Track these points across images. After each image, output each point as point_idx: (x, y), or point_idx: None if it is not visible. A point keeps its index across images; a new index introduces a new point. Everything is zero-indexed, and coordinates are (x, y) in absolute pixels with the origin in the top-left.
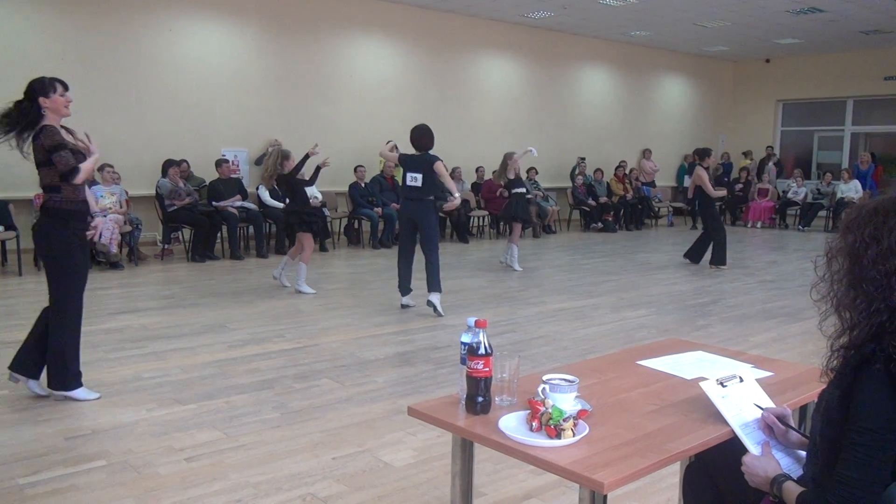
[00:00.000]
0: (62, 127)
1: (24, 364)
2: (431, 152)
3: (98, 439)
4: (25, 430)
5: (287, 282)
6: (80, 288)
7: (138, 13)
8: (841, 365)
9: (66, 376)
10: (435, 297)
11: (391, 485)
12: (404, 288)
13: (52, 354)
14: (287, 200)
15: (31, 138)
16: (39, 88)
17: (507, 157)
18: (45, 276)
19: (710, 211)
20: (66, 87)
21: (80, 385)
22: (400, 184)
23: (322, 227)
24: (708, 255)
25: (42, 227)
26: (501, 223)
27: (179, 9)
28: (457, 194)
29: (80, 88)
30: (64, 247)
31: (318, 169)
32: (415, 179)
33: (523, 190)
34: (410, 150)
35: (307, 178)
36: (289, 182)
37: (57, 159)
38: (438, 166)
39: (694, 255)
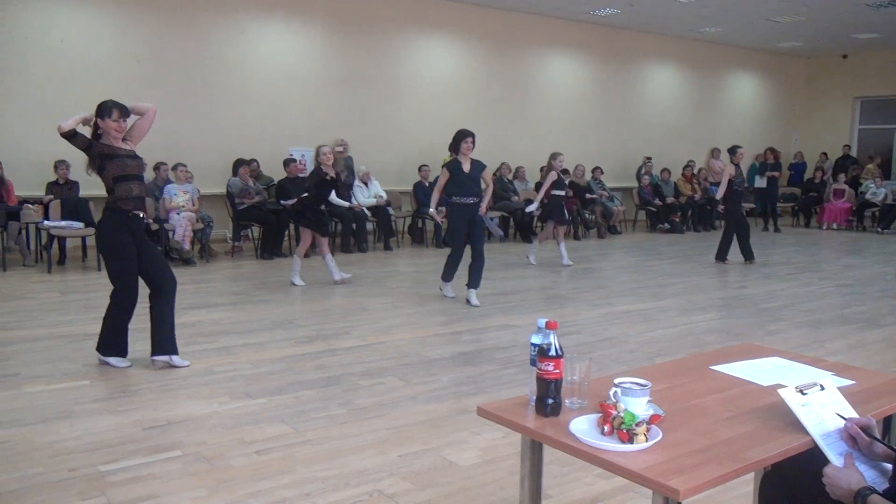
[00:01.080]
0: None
1: (159, 346)
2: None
3: (173, 430)
4: (106, 420)
5: (337, 276)
6: (128, 274)
7: (210, 16)
8: None
9: (105, 343)
10: (474, 295)
11: (457, 484)
12: (469, 282)
13: (103, 322)
14: (306, 195)
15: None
16: (100, 110)
17: (552, 158)
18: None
19: (730, 206)
20: (122, 114)
21: (115, 355)
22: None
23: (322, 225)
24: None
25: (99, 222)
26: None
27: (249, 11)
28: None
29: (154, 90)
30: (112, 240)
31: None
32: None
33: (562, 193)
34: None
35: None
36: (317, 177)
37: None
38: (487, 173)
39: (746, 253)
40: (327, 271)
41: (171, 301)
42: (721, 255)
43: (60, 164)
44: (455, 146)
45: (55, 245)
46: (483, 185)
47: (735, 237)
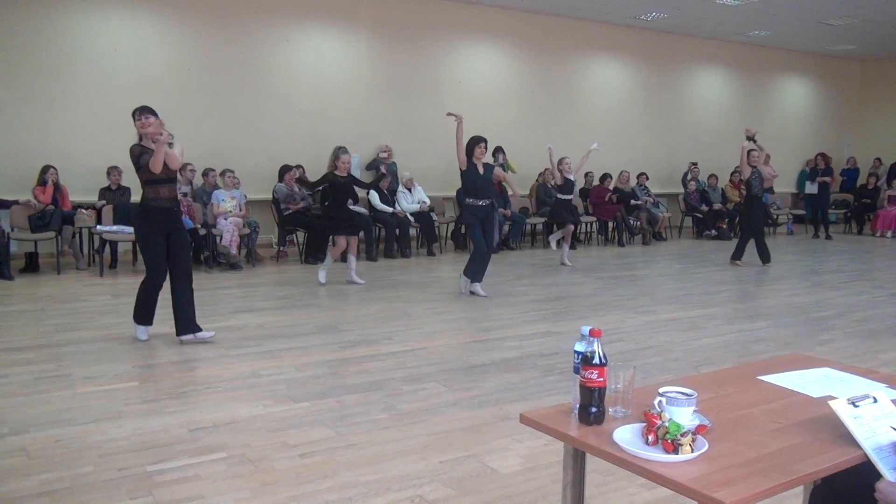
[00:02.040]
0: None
1: (180, 326)
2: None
3: (219, 432)
4: (153, 421)
5: (353, 276)
6: (154, 257)
7: (256, 24)
8: None
9: (135, 312)
10: (478, 287)
11: (498, 491)
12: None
13: (137, 294)
14: (326, 202)
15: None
16: (134, 115)
17: (559, 163)
18: None
19: (748, 209)
20: (143, 113)
21: (141, 323)
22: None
23: (352, 226)
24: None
25: (135, 216)
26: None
27: (295, 19)
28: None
29: (203, 97)
30: (143, 231)
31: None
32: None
33: (569, 197)
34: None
35: (363, 182)
36: (328, 179)
37: (143, 162)
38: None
39: (762, 255)
40: (345, 268)
41: (184, 287)
42: (737, 255)
43: (113, 171)
44: (469, 151)
45: (107, 249)
46: (496, 181)
47: (754, 240)
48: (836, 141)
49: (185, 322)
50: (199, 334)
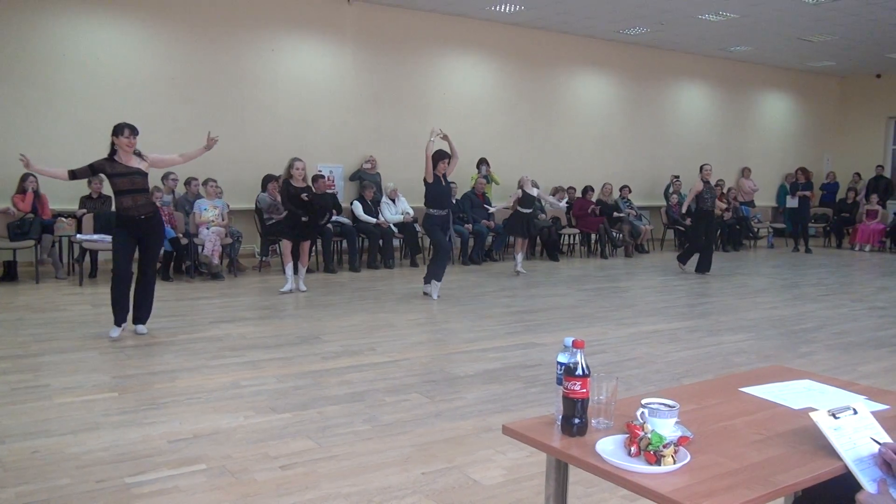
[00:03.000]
0: (136, 153)
1: (133, 318)
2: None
3: (199, 443)
4: (132, 432)
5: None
6: (118, 260)
7: (242, 34)
8: None
9: (113, 311)
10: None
11: (480, 503)
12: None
13: None
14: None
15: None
16: (114, 130)
17: (519, 181)
18: None
19: (695, 223)
20: (132, 132)
21: (115, 324)
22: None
23: (302, 233)
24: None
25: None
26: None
27: (280, 29)
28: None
29: (186, 106)
30: (113, 233)
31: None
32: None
33: (528, 211)
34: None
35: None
36: (287, 192)
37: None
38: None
39: (684, 259)
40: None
41: (145, 289)
42: (682, 259)
43: (94, 179)
44: (435, 165)
45: (87, 258)
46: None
47: (698, 250)
48: (816, 155)
49: (139, 315)
50: (138, 327)
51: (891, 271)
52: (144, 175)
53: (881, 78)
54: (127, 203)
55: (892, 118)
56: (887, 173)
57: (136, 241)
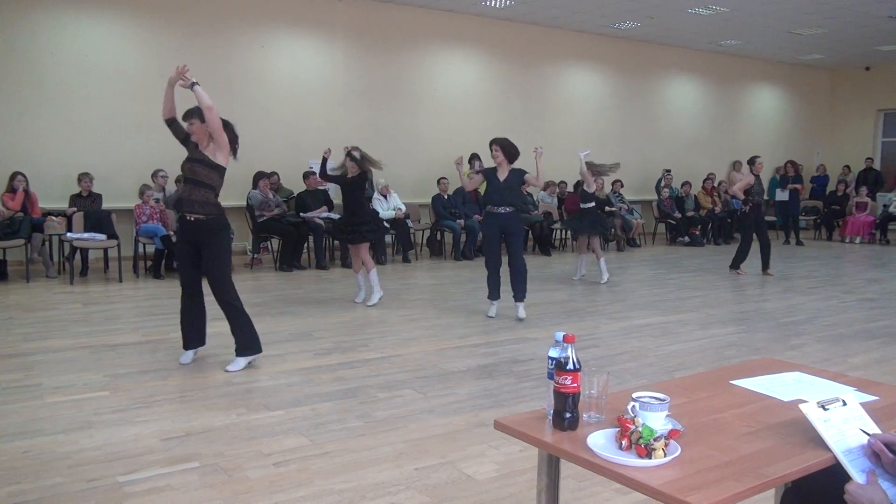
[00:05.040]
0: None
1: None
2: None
3: (191, 441)
4: (124, 431)
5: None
6: (179, 272)
7: (231, 30)
8: None
9: None
10: (521, 308)
11: (474, 498)
12: (496, 296)
13: None
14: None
15: None
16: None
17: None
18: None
19: (746, 219)
20: (186, 116)
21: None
22: (482, 196)
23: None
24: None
25: None
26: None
27: (270, 26)
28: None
29: (176, 103)
30: None
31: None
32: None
33: (589, 205)
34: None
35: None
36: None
37: None
38: (529, 178)
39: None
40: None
41: (196, 303)
42: (735, 265)
43: (84, 177)
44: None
45: (77, 257)
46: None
47: (760, 247)
48: (806, 149)
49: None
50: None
51: (880, 263)
52: (210, 167)
53: (870, 71)
54: (184, 192)
55: (882, 111)
56: (877, 166)
57: (193, 247)
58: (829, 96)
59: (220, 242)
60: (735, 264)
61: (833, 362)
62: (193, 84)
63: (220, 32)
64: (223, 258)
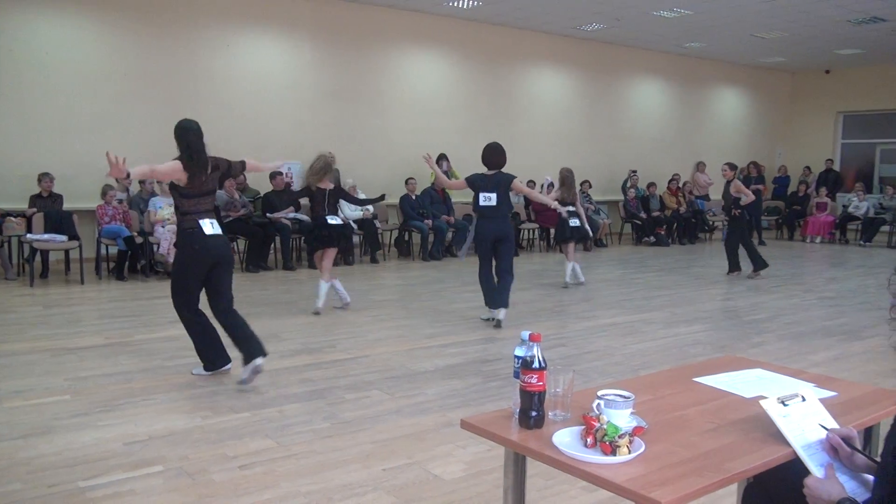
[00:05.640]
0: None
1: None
2: (504, 170)
3: (155, 445)
4: (86, 435)
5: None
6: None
7: (195, 29)
8: None
9: None
10: (502, 313)
11: (441, 498)
12: (493, 301)
13: None
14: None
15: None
16: None
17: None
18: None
19: (738, 221)
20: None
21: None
22: (473, 204)
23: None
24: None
25: None
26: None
27: (236, 25)
28: (553, 204)
29: (139, 103)
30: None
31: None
32: (489, 199)
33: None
34: (480, 169)
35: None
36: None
37: None
38: (517, 184)
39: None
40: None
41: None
42: (757, 267)
43: (44, 177)
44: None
45: (38, 258)
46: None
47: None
48: (768, 150)
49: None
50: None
51: (840, 262)
52: (171, 189)
53: (830, 74)
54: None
55: (841, 113)
56: (836, 167)
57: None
58: (791, 98)
59: (177, 257)
60: (757, 267)
61: (794, 359)
62: (128, 175)
63: (185, 30)
64: (177, 271)
